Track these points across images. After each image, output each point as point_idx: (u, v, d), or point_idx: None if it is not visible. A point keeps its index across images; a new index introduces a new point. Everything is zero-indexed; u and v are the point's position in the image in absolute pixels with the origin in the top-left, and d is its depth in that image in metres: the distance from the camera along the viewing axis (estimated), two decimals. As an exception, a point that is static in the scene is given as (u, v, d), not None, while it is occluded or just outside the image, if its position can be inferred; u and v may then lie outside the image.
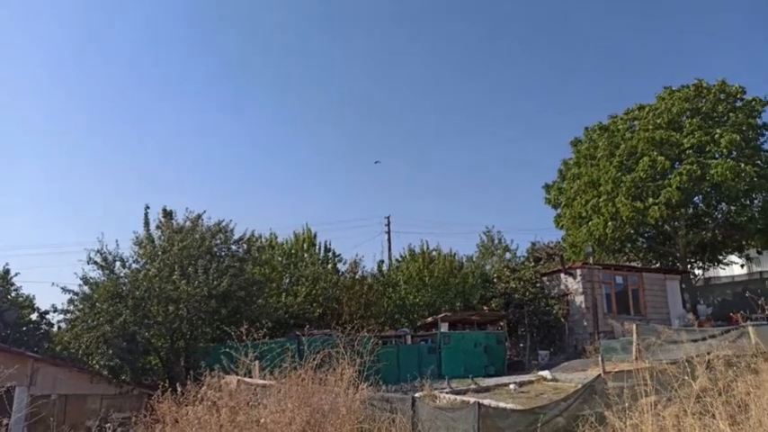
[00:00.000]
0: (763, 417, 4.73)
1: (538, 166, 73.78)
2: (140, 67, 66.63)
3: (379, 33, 70.50)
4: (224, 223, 18.69)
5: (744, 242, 25.58)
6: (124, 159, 67.23)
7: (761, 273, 28.32)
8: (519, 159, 72.82)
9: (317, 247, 22.67)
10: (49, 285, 17.84)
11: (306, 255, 21.86)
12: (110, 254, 17.32)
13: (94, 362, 16.42)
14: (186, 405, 8.82)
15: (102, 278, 17.04)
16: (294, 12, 68.78)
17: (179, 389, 9.03)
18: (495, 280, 24.24)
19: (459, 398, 12.61)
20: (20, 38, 61.73)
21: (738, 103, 25.13)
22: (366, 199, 70.31)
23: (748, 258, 28.25)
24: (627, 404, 5.66)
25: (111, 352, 15.97)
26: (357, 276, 22.01)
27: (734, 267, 29.05)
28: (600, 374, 9.39)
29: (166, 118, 70.10)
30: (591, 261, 23.63)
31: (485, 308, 22.68)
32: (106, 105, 66.94)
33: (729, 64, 62.29)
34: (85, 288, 16.88)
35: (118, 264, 17.36)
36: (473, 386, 15.48)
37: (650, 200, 23.16)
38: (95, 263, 17.10)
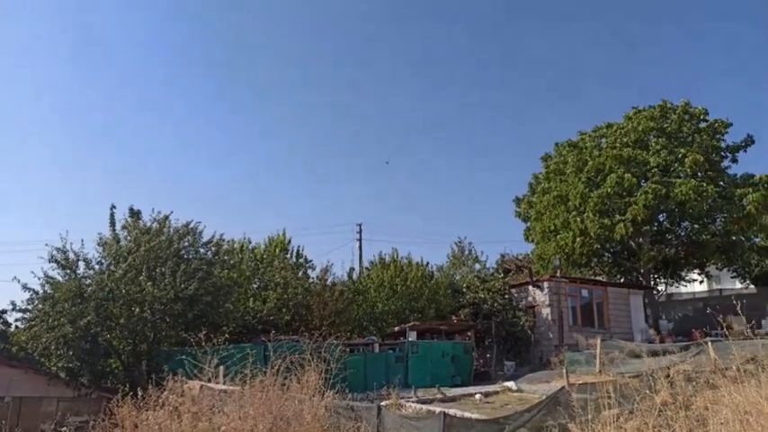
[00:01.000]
0: (721, 431, 4.85)
1: (509, 180, 74.67)
2: (117, 65, 65.41)
3: (356, 35, 70.74)
4: (192, 225, 18.39)
5: (704, 260, 26.27)
6: (94, 157, 65.76)
7: (720, 290, 29.17)
8: (491, 173, 73.62)
9: (290, 252, 22.51)
10: (8, 282, 17.28)
11: (276, 260, 21.65)
12: (73, 253, 16.87)
13: (52, 364, 15.94)
14: (147, 410, 8.62)
15: (65, 278, 16.60)
16: (272, 11, 68.51)
17: (140, 393, 8.82)
18: (464, 290, 24.39)
19: (425, 407, 12.61)
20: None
21: (702, 125, 25.91)
22: (338, 206, 70.14)
23: (708, 276, 29.04)
24: (590, 416, 5.74)
25: (70, 353, 15.51)
26: (327, 283, 21.91)
27: (695, 284, 29.82)
28: (564, 386, 9.51)
29: (136, 118, 68.87)
30: (558, 274, 23.99)
31: (453, 317, 22.80)
32: (74, 99, 65.51)
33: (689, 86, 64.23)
34: (47, 287, 16.42)
35: (81, 264, 16.95)
36: (439, 396, 15.50)
37: (617, 216, 23.68)
38: (57, 261, 16.64)
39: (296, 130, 74.03)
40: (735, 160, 26.25)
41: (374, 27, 68.50)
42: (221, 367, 9.90)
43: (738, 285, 29.96)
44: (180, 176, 68.73)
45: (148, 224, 18.12)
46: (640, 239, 25.38)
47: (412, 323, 20.23)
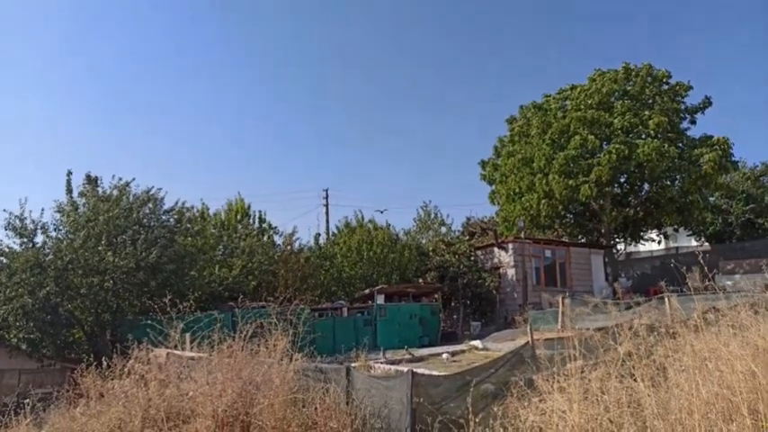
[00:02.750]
0: (679, 378, 5.00)
1: (474, 143, 74.99)
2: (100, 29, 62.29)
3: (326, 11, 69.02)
4: (153, 192, 17.94)
5: (662, 220, 27.01)
6: (54, 122, 63.14)
7: (677, 248, 30.15)
8: (456, 134, 73.74)
9: (252, 218, 22.20)
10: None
11: (239, 226, 21.37)
12: (32, 221, 16.31)
13: (12, 335, 15.52)
14: (112, 379, 8.47)
15: (22, 247, 16.06)
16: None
17: (104, 362, 8.65)
18: (430, 254, 24.61)
19: (393, 367, 12.77)
20: None
21: (664, 87, 26.28)
22: (304, 171, 69.39)
23: (665, 236, 29.96)
24: (555, 368, 5.87)
25: (31, 325, 15.12)
26: (294, 249, 21.78)
27: (653, 243, 30.75)
28: (528, 342, 9.72)
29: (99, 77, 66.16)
30: (523, 236, 24.37)
31: (420, 281, 23.03)
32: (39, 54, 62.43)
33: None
34: (2, 257, 15.88)
35: (39, 232, 16.40)
36: (407, 356, 15.74)
37: (581, 177, 24.00)
38: (14, 229, 16.08)
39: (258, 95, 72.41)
40: (693, 122, 26.86)
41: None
42: (188, 334, 9.76)
43: (694, 243, 31.06)
44: (136, 141, 66.74)
45: (108, 191, 17.61)
46: (602, 201, 25.88)
47: (380, 287, 20.36)
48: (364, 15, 70.03)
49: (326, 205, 34.78)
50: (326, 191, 35.05)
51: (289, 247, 21.72)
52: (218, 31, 69.60)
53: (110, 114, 65.44)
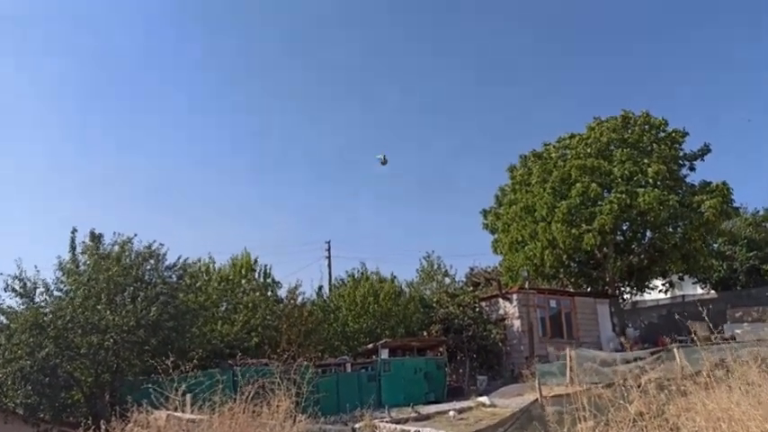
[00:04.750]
0: (694, 439, 4.85)
1: (476, 192, 75.44)
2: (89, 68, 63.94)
3: (332, 42, 70.90)
4: (155, 247, 17.95)
5: (667, 267, 26.87)
6: (53, 176, 63.84)
7: (683, 296, 29.83)
8: (457, 184, 74.28)
9: (257, 272, 22.14)
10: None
11: (244, 281, 21.26)
12: (29, 280, 16.26)
13: (9, 399, 15.19)
14: (110, 443, 8.25)
15: (22, 307, 15.95)
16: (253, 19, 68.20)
17: (103, 426, 8.45)
18: (434, 305, 24.36)
19: (399, 427, 12.43)
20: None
21: (661, 135, 26.66)
22: (307, 223, 69.58)
23: (671, 284, 29.71)
24: (566, 429, 5.71)
25: (29, 388, 14.77)
26: (296, 303, 21.59)
27: (658, 292, 30.46)
28: (536, 399, 9.51)
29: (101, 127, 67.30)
30: (527, 286, 24.20)
31: (425, 333, 22.72)
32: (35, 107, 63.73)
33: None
34: (2, 317, 15.74)
35: (40, 291, 16.33)
36: (413, 414, 15.33)
37: (584, 226, 24.03)
38: (14, 290, 16.01)
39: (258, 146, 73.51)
40: (693, 168, 27.11)
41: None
42: (188, 395, 9.57)
43: (700, 291, 30.77)
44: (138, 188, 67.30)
45: (109, 248, 17.62)
46: (606, 249, 25.81)
47: (384, 341, 20.06)
48: (353, 59, 71.82)
49: (329, 257, 34.75)
50: (329, 243, 35.11)
51: (292, 302, 21.54)
52: (219, 77, 71.30)
53: (118, 163, 66.25)
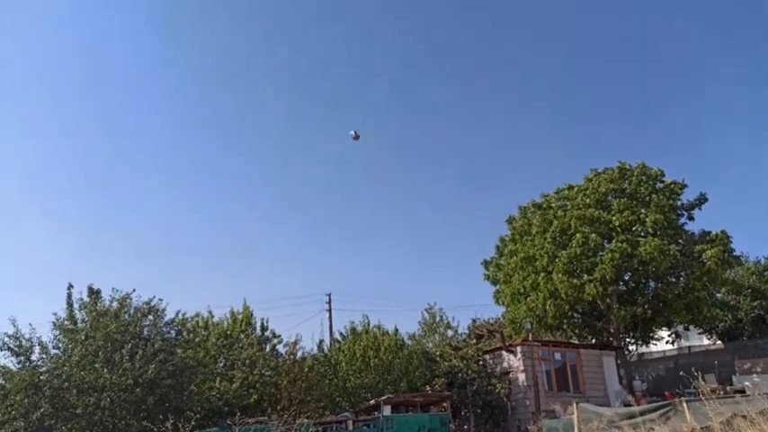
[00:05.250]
0: None
1: (477, 243, 75.43)
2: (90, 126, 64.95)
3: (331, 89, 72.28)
4: (154, 303, 17.83)
5: (671, 318, 26.59)
6: (44, 232, 63.97)
7: (689, 347, 29.37)
8: (458, 235, 74.33)
9: (255, 326, 21.86)
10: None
11: (242, 335, 20.99)
12: (25, 338, 16.07)
13: (2, 462, 14.78)
14: None
15: (17, 366, 15.71)
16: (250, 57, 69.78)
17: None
18: (437, 359, 23.94)
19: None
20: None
21: (659, 185, 26.87)
22: (306, 275, 69.24)
23: (677, 334, 29.34)
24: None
25: (21, 451, 14.43)
26: (297, 358, 21.22)
27: (664, 343, 30.05)
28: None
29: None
30: (530, 338, 23.86)
31: (428, 388, 22.24)
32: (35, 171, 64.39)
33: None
34: (-3, 376, 15.49)
35: (37, 349, 16.12)
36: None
37: (585, 276, 23.93)
38: (10, 349, 15.80)
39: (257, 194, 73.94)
40: (691, 218, 27.18)
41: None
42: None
43: (706, 341, 30.34)
44: (141, 249, 67.28)
45: (107, 303, 17.48)
46: (608, 299, 25.61)
47: (386, 396, 19.61)
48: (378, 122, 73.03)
49: (329, 310, 34.44)
50: (329, 295, 34.85)
51: (292, 356, 21.18)
52: (228, 142, 72.43)
53: (115, 222, 66.47)
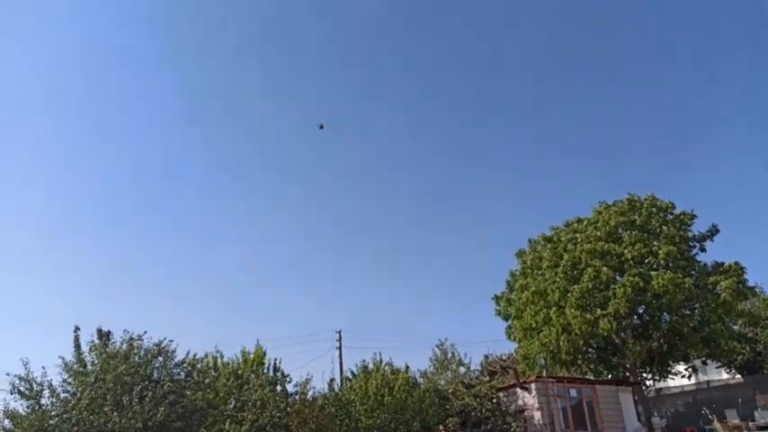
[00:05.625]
0: None
1: (488, 277, 74.87)
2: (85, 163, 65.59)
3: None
4: (164, 345, 17.64)
5: (688, 352, 26.05)
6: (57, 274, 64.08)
7: (708, 382, 28.67)
8: (469, 270, 73.84)
9: (266, 366, 21.52)
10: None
11: (253, 375, 20.66)
12: (36, 382, 15.87)
13: None
14: None
15: (27, 410, 15.48)
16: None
17: None
18: (450, 397, 23.46)
19: None
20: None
21: (669, 217, 26.69)
22: (315, 312, 68.74)
23: (694, 369, 28.70)
24: None
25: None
26: (307, 398, 20.82)
27: (682, 378, 29.35)
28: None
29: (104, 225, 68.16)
30: (545, 374, 23.40)
31: (441, 428, 21.74)
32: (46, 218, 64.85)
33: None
34: (6, 422, 15.24)
35: (46, 392, 15.91)
36: None
37: (598, 311, 23.59)
38: (20, 392, 15.60)
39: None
40: (703, 249, 26.87)
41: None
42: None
43: (725, 375, 29.61)
44: (148, 285, 67.16)
45: (117, 345, 17.31)
46: (623, 334, 25.18)
47: (399, 437, 19.17)
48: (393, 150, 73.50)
49: (339, 347, 33.99)
50: (339, 332, 34.44)
51: (302, 397, 20.78)
52: (235, 176, 72.93)
53: (125, 259, 66.58)
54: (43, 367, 16.22)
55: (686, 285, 23.22)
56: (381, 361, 23.65)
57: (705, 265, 25.96)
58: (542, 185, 71.00)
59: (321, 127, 21.84)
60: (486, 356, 31.33)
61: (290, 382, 21.51)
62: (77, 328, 17.46)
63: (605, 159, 71.67)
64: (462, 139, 73.08)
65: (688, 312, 24.97)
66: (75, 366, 16.61)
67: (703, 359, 26.55)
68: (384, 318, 66.99)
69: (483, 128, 70.88)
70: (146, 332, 17.57)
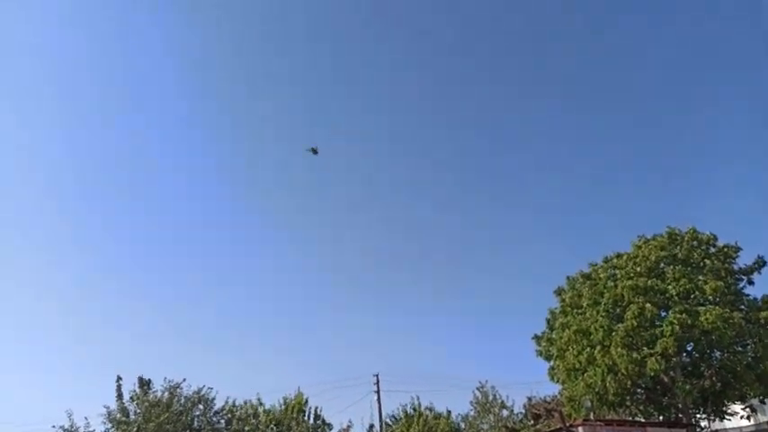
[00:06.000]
0: None
1: (525, 315, 73.36)
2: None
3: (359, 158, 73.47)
4: (204, 392, 17.73)
5: (744, 391, 24.79)
6: (97, 327, 65.14)
7: (768, 422, 27.10)
8: (506, 309, 72.57)
9: (307, 413, 21.29)
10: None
11: (294, 423, 20.44)
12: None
13: None
14: None
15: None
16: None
17: None
18: (494, 443, 22.75)
19: None
20: None
21: (712, 250, 25.90)
22: (351, 356, 68.05)
23: (752, 409, 27.23)
24: None
25: None
26: (348, 445, 20.46)
27: (740, 418, 27.82)
28: None
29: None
30: (592, 417, 22.52)
31: (486, 476, 21.01)
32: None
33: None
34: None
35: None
36: None
37: (645, 349, 22.79)
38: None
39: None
40: (751, 282, 25.88)
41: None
42: None
43: (788, 415, 28.01)
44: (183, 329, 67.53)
45: (159, 394, 17.44)
46: (672, 373, 24.18)
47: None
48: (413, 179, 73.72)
49: (378, 391, 33.34)
50: (377, 376, 33.82)
51: (343, 444, 20.43)
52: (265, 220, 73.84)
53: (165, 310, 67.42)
54: (86, 418, 16.46)
55: (736, 321, 22.31)
56: (420, 405, 23.19)
57: (755, 299, 24.96)
58: (575, 220, 70.01)
59: (315, 152, 21.43)
60: (530, 399, 30.33)
61: (330, 429, 21.24)
62: (119, 378, 17.73)
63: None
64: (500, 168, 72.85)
65: (740, 349, 23.89)
66: (118, 416, 16.74)
67: (761, 398, 25.22)
68: (421, 360, 65.90)
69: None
70: (185, 379, 17.73)
